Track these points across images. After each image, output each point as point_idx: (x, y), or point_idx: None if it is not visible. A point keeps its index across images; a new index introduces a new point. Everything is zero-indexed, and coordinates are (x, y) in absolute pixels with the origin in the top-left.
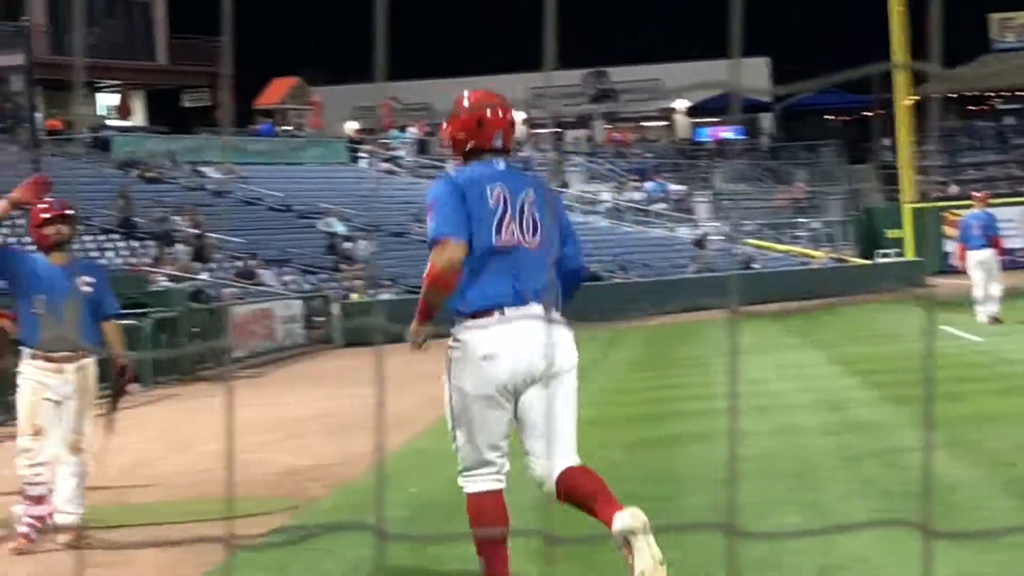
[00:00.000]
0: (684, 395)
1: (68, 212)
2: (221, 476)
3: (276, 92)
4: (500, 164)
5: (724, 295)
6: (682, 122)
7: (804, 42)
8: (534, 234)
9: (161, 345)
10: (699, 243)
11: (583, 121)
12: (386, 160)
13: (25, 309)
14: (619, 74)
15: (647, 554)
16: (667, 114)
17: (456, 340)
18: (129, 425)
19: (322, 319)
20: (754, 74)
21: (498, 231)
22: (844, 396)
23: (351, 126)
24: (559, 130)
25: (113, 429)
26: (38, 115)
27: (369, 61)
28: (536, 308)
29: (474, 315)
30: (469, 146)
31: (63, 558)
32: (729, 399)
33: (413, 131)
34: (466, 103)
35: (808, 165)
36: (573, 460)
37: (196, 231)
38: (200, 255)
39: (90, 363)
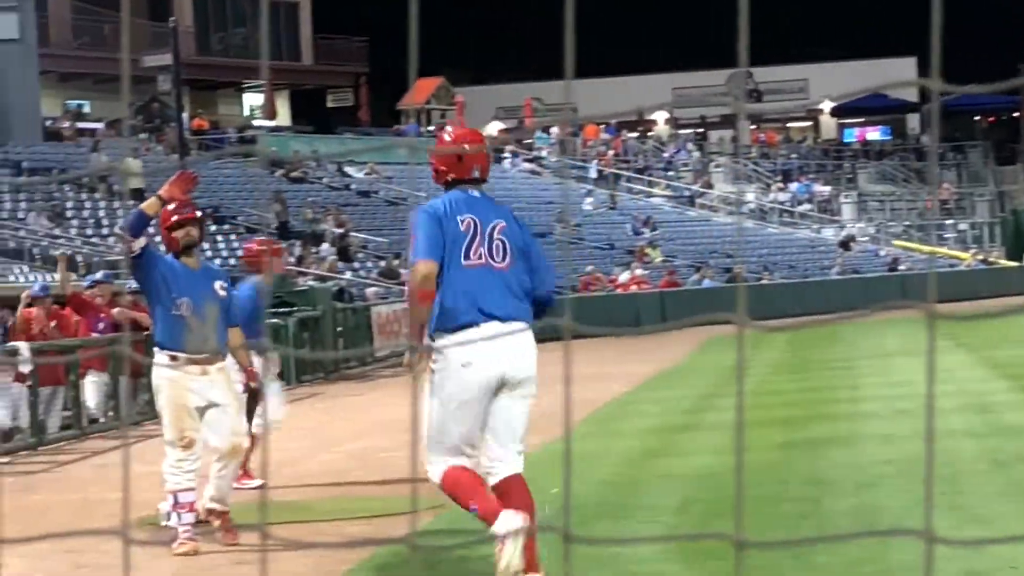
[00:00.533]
0: (829, 398)
1: (198, 214)
2: (361, 475)
3: (421, 92)
4: (476, 193)
5: (869, 297)
6: (828, 122)
7: (952, 42)
8: (503, 258)
9: (304, 344)
10: (844, 244)
11: (728, 121)
12: (529, 160)
13: (165, 311)
14: (764, 74)
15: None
16: (813, 114)
17: (437, 352)
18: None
19: None
20: (901, 74)
21: (467, 255)
22: (993, 399)
23: (494, 126)
24: (703, 130)
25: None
26: (184, 115)
27: (512, 62)
28: (504, 323)
29: (450, 330)
30: (450, 177)
31: (208, 554)
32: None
33: (555, 131)
34: (447, 138)
35: (955, 166)
36: (517, 467)
37: (340, 231)
38: (344, 255)
39: (228, 365)
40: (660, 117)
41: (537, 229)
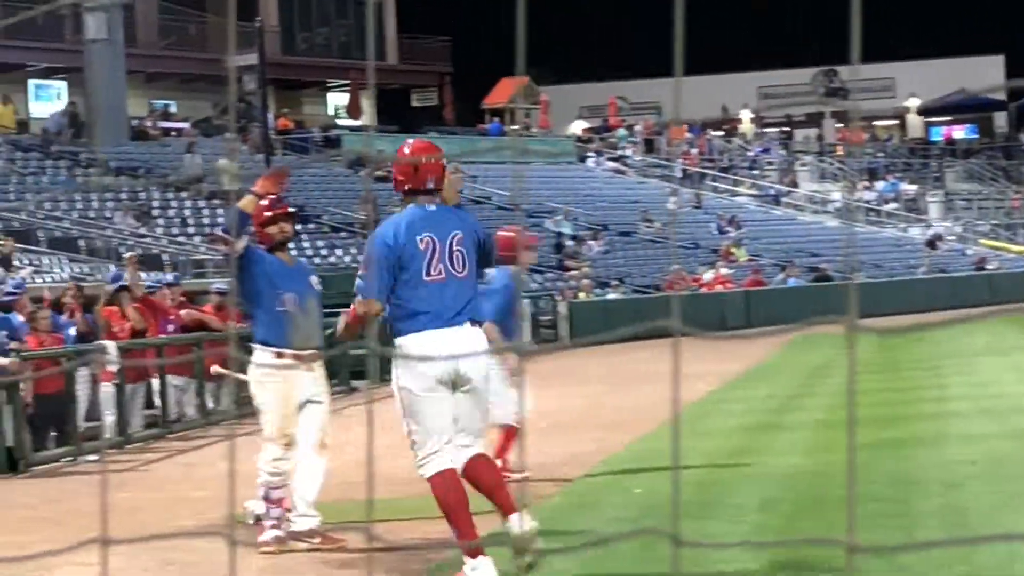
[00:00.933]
0: (916, 397)
1: (291, 210)
2: None
3: (505, 91)
4: (431, 207)
5: (956, 297)
6: (914, 121)
7: None
8: (463, 267)
9: (388, 342)
10: (931, 243)
11: (813, 120)
12: (613, 159)
13: (269, 308)
14: (850, 72)
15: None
16: (899, 113)
17: (400, 355)
18: (356, 422)
19: (549, 318)
20: (988, 73)
21: (427, 271)
22: None
23: (578, 125)
24: (788, 129)
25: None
26: (269, 115)
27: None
28: (461, 326)
29: (412, 333)
30: (407, 187)
31: (291, 553)
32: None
33: (640, 130)
34: (406, 150)
35: None
36: (480, 449)
37: None
38: None
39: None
40: (745, 116)
41: (622, 228)
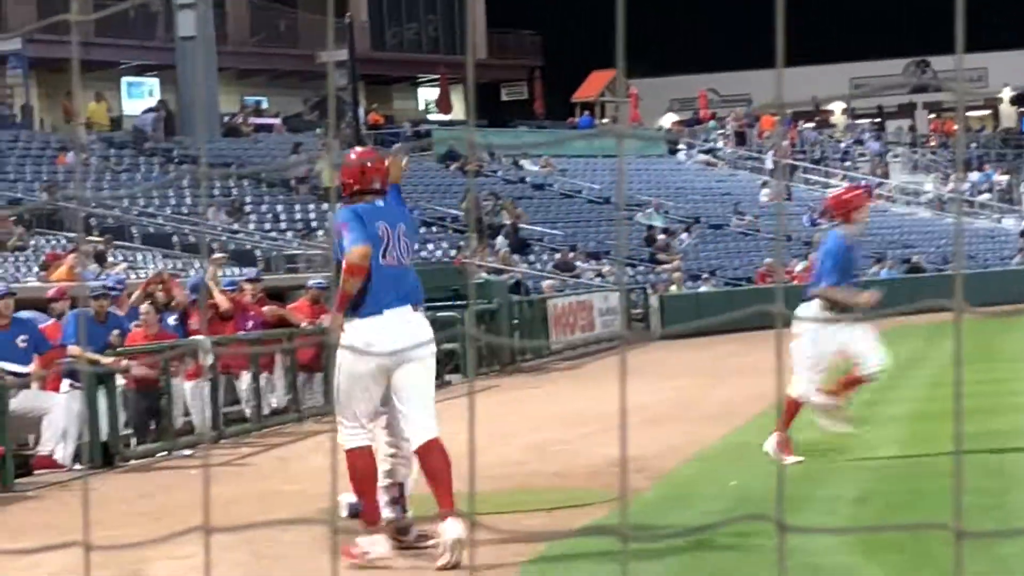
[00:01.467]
0: (1012, 389)
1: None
2: (537, 467)
3: (594, 85)
4: (380, 202)
5: None
6: (1007, 111)
7: None
8: (406, 255)
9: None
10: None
11: (905, 111)
12: (704, 152)
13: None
14: (942, 63)
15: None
16: (992, 103)
17: (348, 334)
18: (451, 415)
19: (641, 311)
20: None
21: (383, 256)
22: None
23: (669, 118)
24: (880, 120)
25: None
26: (360, 110)
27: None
28: (407, 309)
29: (362, 315)
30: (355, 188)
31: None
32: None
33: (731, 122)
34: (353, 156)
35: None
36: (432, 430)
37: (515, 223)
38: (519, 247)
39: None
40: (837, 107)
41: (713, 221)
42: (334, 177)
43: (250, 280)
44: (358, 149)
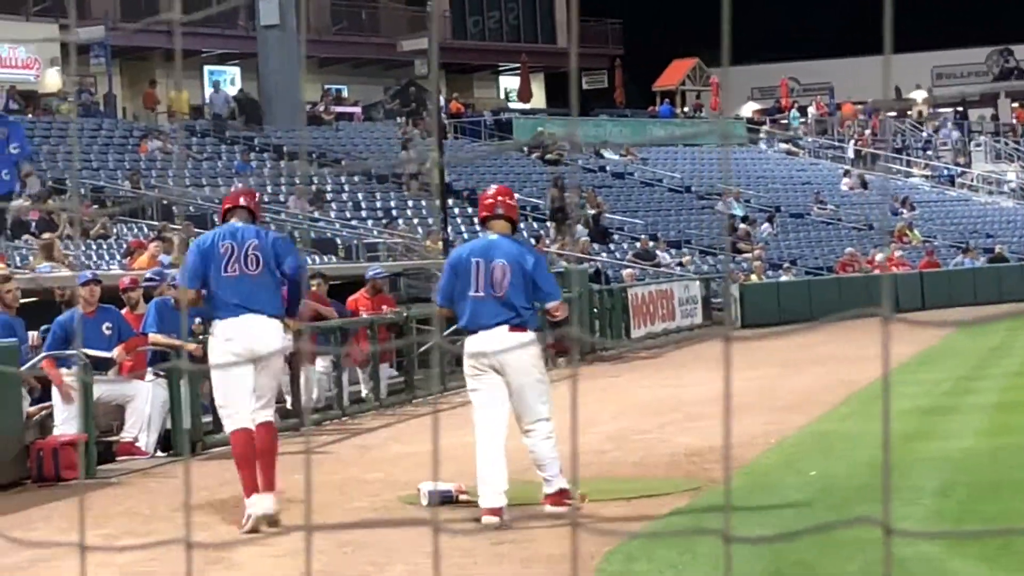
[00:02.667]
0: None
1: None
2: (618, 456)
3: (675, 73)
4: (239, 224)
5: None
6: None
7: None
8: (256, 267)
9: (559, 326)
10: None
11: (988, 100)
12: (785, 141)
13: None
14: None
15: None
16: None
17: (212, 335)
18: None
19: (720, 300)
20: None
21: (224, 269)
22: None
23: (750, 107)
24: (962, 109)
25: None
26: (441, 98)
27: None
28: (253, 313)
29: (219, 319)
30: (225, 208)
31: (468, 534)
32: None
33: (812, 111)
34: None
35: None
36: (266, 417)
37: (595, 212)
38: (600, 236)
39: None
40: (919, 96)
41: (794, 210)
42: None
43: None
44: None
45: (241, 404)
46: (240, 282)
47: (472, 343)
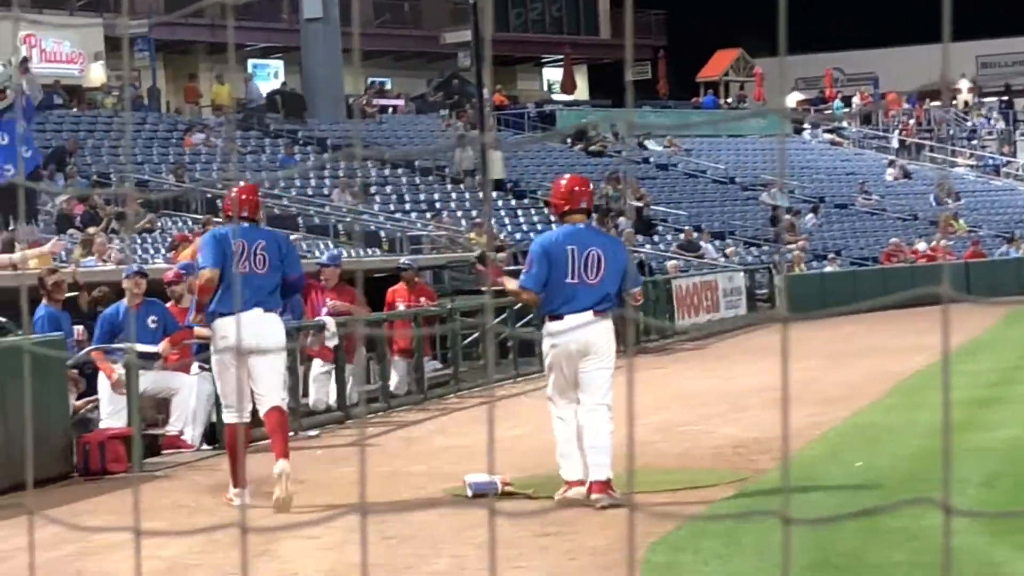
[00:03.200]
0: None
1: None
2: (662, 448)
3: (719, 64)
4: (249, 227)
5: None
6: None
7: None
8: (263, 266)
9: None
10: None
11: None
12: (829, 131)
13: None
14: None
15: (282, 488)
16: None
17: (214, 330)
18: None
19: (765, 291)
20: None
21: (235, 265)
22: None
23: (794, 97)
24: (1008, 98)
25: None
26: (485, 91)
27: (812, 31)
28: (257, 310)
29: (224, 315)
30: (230, 213)
31: (512, 527)
32: None
33: (856, 102)
34: (233, 192)
35: None
36: (272, 403)
37: (639, 204)
38: (644, 228)
39: None
40: (964, 85)
41: (838, 200)
42: (499, 171)
43: (323, 265)
44: (241, 184)
45: (235, 399)
46: (248, 279)
47: (558, 326)
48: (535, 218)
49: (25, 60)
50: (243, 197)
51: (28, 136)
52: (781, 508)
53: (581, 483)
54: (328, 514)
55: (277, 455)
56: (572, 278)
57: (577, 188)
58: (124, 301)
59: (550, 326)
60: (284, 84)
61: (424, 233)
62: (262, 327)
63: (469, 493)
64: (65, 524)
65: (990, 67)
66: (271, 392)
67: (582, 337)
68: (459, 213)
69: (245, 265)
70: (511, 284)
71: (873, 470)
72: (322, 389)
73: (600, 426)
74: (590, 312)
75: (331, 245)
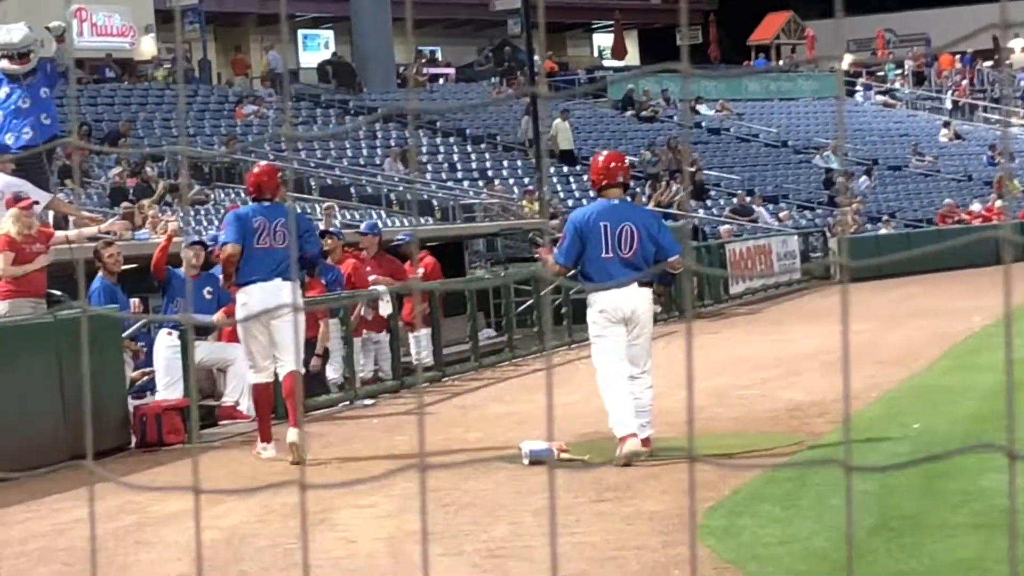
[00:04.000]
0: None
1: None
2: (718, 412)
3: (770, 27)
4: (267, 204)
5: None
6: None
7: None
8: (282, 241)
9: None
10: None
11: None
12: (881, 93)
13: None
14: None
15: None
16: None
17: (241, 295)
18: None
19: (820, 254)
20: None
21: (257, 241)
22: None
23: (847, 59)
24: None
25: None
26: (535, 57)
27: None
28: (276, 280)
29: (252, 282)
30: (252, 195)
31: (569, 492)
32: None
33: (909, 63)
34: (255, 170)
35: None
36: (289, 367)
37: (692, 169)
38: (697, 192)
39: None
40: (1017, 45)
41: (892, 163)
42: (567, 142)
43: (324, 233)
44: (262, 162)
45: (260, 361)
46: (268, 254)
47: (603, 298)
48: (587, 185)
49: (63, 30)
50: (264, 179)
51: (48, 102)
52: (842, 460)
53: (634, 436)
54: (387, 473)
55: (290, 423)
56: (607, 253)
57: (614, 164)
58: (182, 269)
59: (594, 297)
60: (335, 54)
61: (477, 201)
62: (280, 295)
63: (526, 461)
64: (129, 486)
65: None
66: (288, 357)
67: (627, 307)
68: (511, 181)
69: (266, 241)
70: (548, 258)
71: (931, 432)
72: (369, 358)
73: (646, 391)
74: (635, 284)
75: (383, 214)
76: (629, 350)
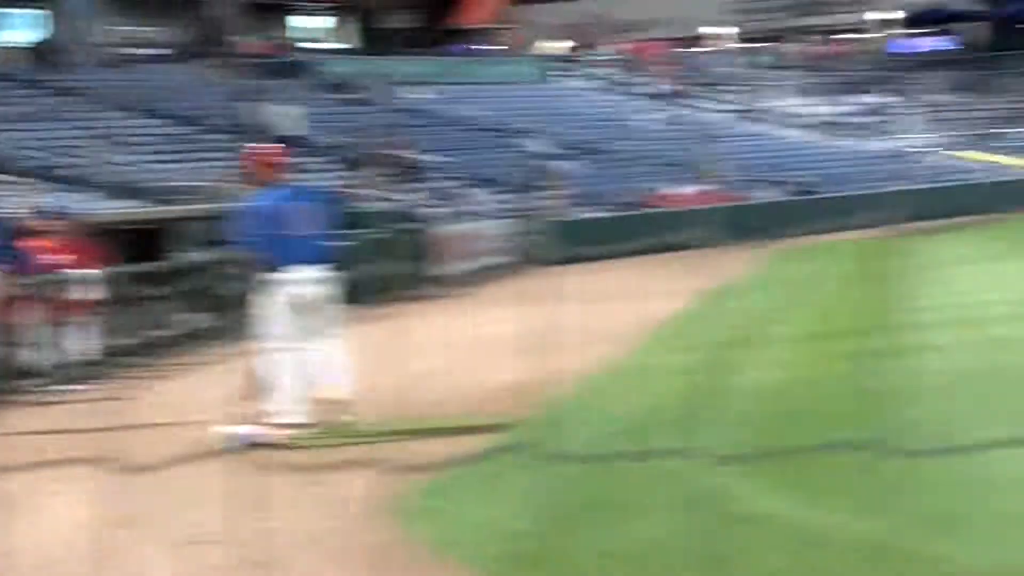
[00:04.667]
0: (894, 308)
1: None
2: (425, 395)
3: (483, 10)
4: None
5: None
6: (885, 34)
7: None
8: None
9: (371, 266)
10: (905, 156)
11: (787, 35)
12: (591, 78)
13: None
14: None
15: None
16: (871, 27)
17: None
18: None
19: (528, 238)
20: None
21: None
22: None
23: (552, 44)
24: (764, 44)
25: None
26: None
27: None
28: (302, 264)
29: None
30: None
31: (270, 475)
32: None
33: (619, 47)
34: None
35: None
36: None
37: (403, 153)
38: (408, 176)
39: None
40: (725, 32)
41: (600, 146)
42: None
43: (56, 215)
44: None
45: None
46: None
47: (283, 277)
48: (334, 173)
49: None
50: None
51: None
52: (537, 447)
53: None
54: (77, 459)
55: None
56: (285, 232)
57: (276, 158)
58: None
59: (275, 277)
60: (40, 34)
61: (181, 184)
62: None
63: (229, 444)
64: None
65: (747, 13)
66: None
67: (309, 289)
68: (223, 165)
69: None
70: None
71: (631, 413)
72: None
73: (321, 371)
74: (312, 265)
75: (86, 197)
76: (309, 326)
